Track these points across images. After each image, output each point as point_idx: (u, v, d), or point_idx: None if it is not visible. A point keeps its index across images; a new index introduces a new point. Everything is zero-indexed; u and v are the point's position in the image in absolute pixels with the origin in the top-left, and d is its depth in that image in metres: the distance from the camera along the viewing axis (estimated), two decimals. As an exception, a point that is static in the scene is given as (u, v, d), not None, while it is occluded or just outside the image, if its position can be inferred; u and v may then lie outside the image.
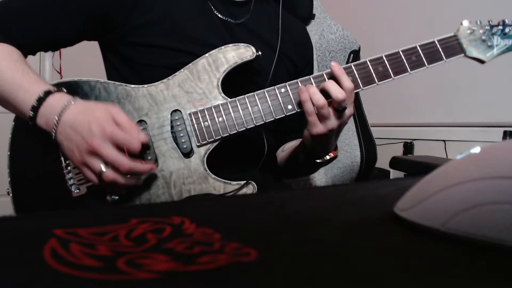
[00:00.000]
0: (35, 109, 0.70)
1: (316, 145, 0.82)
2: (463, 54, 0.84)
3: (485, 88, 1.74)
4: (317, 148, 0.84)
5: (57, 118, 0.69)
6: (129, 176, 0.70)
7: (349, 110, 0.77)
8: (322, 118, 0.76)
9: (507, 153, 0.29)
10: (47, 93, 0.71)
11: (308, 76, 0.79)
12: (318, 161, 0.87)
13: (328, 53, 1.38)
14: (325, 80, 0.78)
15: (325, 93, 0.75)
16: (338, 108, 0.75)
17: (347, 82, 0.76)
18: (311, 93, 0.75)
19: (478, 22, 0.85)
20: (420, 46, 0.82)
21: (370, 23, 2.21)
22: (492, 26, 0.85)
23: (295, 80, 0.79)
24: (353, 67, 0.80)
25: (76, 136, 0.68)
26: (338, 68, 0.77)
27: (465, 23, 0.85)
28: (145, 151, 0.76)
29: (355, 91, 0.78)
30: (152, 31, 0.83)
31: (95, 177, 0.69)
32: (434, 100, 1.96)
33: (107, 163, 0.68)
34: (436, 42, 0.82)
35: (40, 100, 0.70)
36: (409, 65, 0.81)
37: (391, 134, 2.05)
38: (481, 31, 0.85)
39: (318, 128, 0.77)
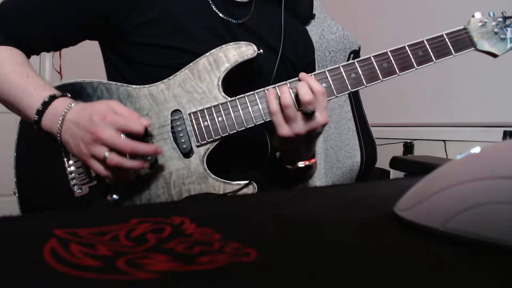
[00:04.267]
0: (40, 112, 0.72)
1: (283, 149, 0.80)
2: (473, 48, 0.81)
3: (485, 88, 1.74)
4: (286, 152, 0.82)
5: (61, 119, 0.71)
6: (134, 159, 0.70)
7: (321, 118, 0.74)
8: (287, 119, 0.74)
9: (507, 153, 0.29)
10: (52, 98, 0.72)
11: (309, 74, 0.79)
12: (288, 166, 0.83)
13: (328, 53, 1.38)
14: (325, 78, 0.78)
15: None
16: (305, 110, 0.73)
17: (316, 84, 0.74)
18: (281, 91, 0.74)
19: (491, 14, 0.82)
20: (427, 40, 0.79)
21: (370, 23, 2.21)
22: (505, 18, 0.81)
23: (296, 79, 0.79)
24: (356, 63, 0.78)
25: (79, 131, 0.69)
26: (305, 75, 0.76)
27: (477, 15, 0.82)
28: (149, 136, 0.76)
29: (358, 88, 0.78)
30: (152, 30, 0.83)
31: (102, 168, 0.70)
32: (434, 100, 1.96)
33: (111, 150, 0.68)
34: (445, 35, 0.80)
35: (45, 104, 0.72)
36: (416, 61, 0.78)
37: (391, 134, 2.05)
38: (493, 23, 0.81)
39: (284, 129, 0.74)
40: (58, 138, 0.72)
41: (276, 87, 0.77)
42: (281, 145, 0.79)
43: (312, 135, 0.77)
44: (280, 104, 0.74)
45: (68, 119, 0.70)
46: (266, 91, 0.78)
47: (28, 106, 0.73)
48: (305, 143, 0.79)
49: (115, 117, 0.69)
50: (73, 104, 0.72)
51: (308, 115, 0.73)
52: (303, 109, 0.73)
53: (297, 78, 0.78)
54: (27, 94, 0.73)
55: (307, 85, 0.74)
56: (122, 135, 0.69)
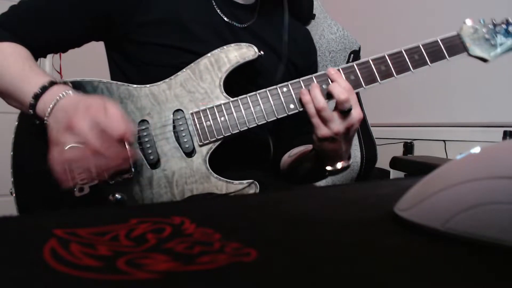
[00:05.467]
0: (37, 96, 0.70)
1: (324, 150, 0.80)
2: (466, 53, 0.83)
3: (485, 88, 1.74)
4: (327, 153, 0.81)
5: (53, 103, 0.68)
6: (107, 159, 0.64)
7: (357, 113, 0.76)
8: (324, 120, 0.75)
9: (507, 153, 0.29)
10: (52, 83, 0.71)
11: (310, 76, 0.79)
12: (328, 168, 0.82)
13: (328, 53, 1.38)
14: (327, 79, 0.78)
15: (330, 96, 0.75)
16: (342, 109, 0.74)
17: (345, 82, 0.76)
18: (313, 96, 0.75)
19: (481, 21, 0.85)
20: (422, 45, 0.81)
21: (370, 23, 2.21)
22: (495, 25, 0.85)
23: (297, 80, 0.79)
24: (355, 66, 0.80)
25: (63, 115, 0.66)
26: (334, 72, 0.77)
27: (468, 22, 0.85)
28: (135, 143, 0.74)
29: (357, 90, 0.78)
30: (155, 29, 0.83)
31: (60, 156, 0.64)
32: (434, 100, 1.96)
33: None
34: (439, 41, 0.82)
35: (44, 89, 0.70)
36: (412, 64, 0.81)
37: (391, 134, 2.05)
38: (484, 30, 0.84)
39: (323, 130, 0.75)
40: (45, 122, 0.69)
41: (303, 87, 0.78)
42: (321, 145, 0.79)
43: (350, 132, 0.77)
44: (315, 107, 0.75)
45: (60, 105, 0.68)
46: (268, 91, 0.78)
47: (28, 93, 0.71)
48: (344, 141, 0.79)
49: (99, 112, 0.64)
50: (70, 92, 0.70)
51: (345, 113, 0.75)
52: (340, 107, 0.74)
53: (309, 77, 0.79)
54: (27, 82, 0.73)
55: (339, 84, 0.75)
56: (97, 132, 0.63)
